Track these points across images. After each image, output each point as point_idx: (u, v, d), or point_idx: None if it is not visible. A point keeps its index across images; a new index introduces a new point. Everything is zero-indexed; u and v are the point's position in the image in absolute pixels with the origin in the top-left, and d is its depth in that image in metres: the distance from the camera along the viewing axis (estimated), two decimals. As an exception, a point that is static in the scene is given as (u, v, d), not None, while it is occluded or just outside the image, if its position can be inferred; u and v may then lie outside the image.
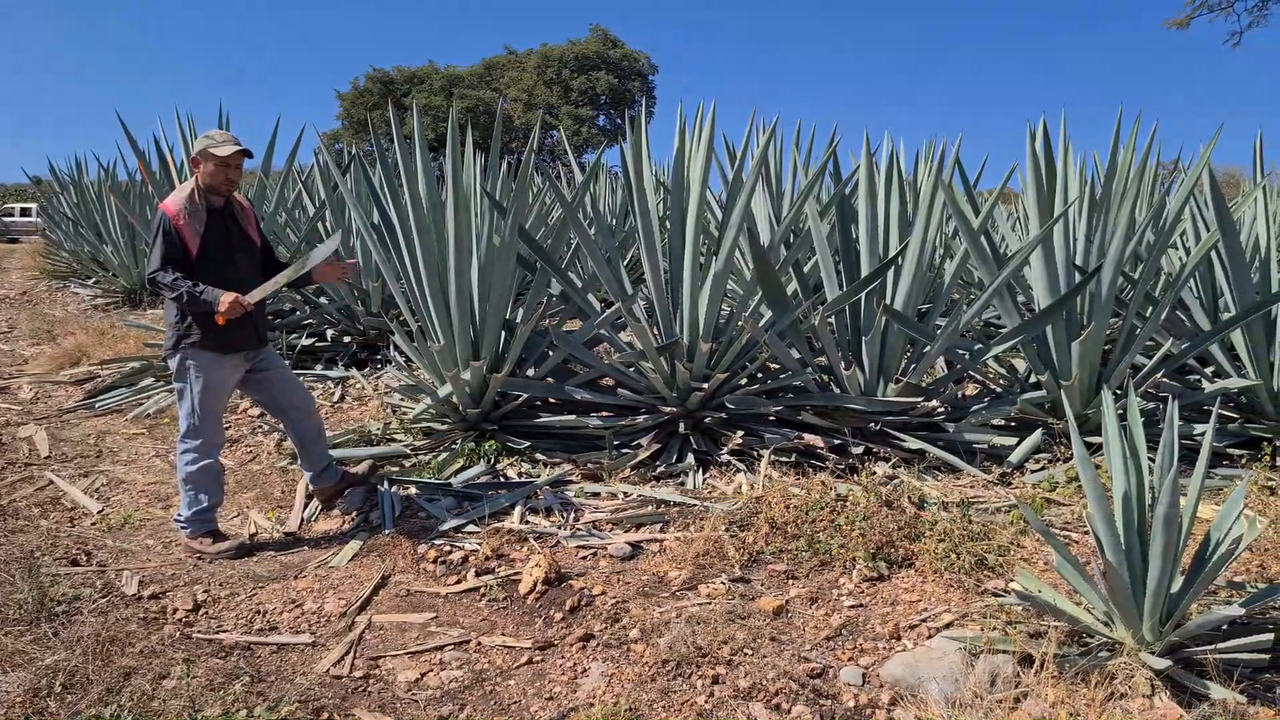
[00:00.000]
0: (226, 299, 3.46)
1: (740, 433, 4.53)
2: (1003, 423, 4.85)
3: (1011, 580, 3.02)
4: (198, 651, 2.90)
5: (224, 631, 3.10)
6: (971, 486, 4.20)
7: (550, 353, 4.91)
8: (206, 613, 3.26)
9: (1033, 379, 4.84)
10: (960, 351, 4.89)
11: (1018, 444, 4.48)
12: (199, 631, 3.08)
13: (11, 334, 9.85)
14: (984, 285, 4.67)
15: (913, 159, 5.29)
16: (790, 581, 3.26)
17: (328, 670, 2.84)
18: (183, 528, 3.77)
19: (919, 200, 4.57)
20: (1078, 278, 4.57)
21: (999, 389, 5.21)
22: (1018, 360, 5.35)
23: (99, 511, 4.26)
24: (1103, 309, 4.49)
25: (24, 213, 32.27)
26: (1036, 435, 4.47)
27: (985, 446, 4.55)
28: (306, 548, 3.86)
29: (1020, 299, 5.39)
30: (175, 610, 3.24)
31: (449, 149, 4.51)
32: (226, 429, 5.53)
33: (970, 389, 5.75)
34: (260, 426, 5.58)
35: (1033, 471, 4.37)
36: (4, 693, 2.54)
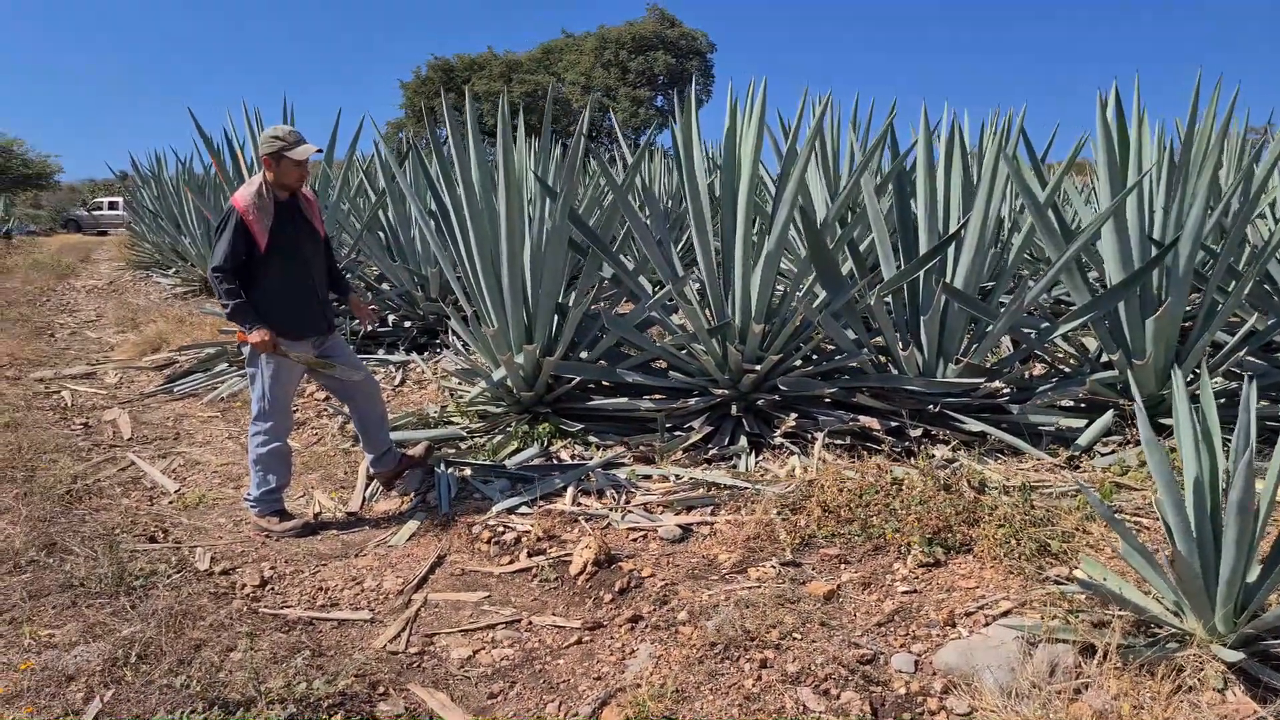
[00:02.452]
0: (263, 334, 3.61)
1: (794, 415, 4.47)
2: (1071, 404, 4.69)
3: (1075, 568, 2.92)
4: (263, 626, 3.00)
5: (288, 607, 3.20)
6: (1036, 470, 4.07)
7: (603, 336, 4.92)
8: (273, 588, 3.37)
9: (1104, 358, 4.66)
10: (1026, 331, 4.73)
11: (1087, 426, 4.32)
12: (265, 606, 3.19)
13: (99, 322, 10.31)
14: (1053, 261, 4.51)
15: (979, 131, 5.13)
16: (842, 566, 3.21)
17: (385, 646, 2.91)
18: (252, 507, 3.90)
19: (981, 173, 4.42)
20: (1154, 252, 4.38)
21: (1068, 369, 5.03)
22: (1089, 339, 5.15)
23: (175, 491, 4.44)
24: (1180, 284, 4.29)
25: (111, 206, 33.64)
26: (1107, 417, 4.31)
27: (1052, 429, 4.41)
28: (367, 527, 3.96)
29: (1094, 276, 5.20)
30: (244, 586, 3.36)
31: (499, 134, 4.54)
32: (294, 412, 5.70)
33: (1038, 370, 5.57)
34: (325, 410, 5.73)
35: (1102, 455, 4.21)
36: (85, 661, 2.67)
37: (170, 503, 4.30)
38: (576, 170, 4.81)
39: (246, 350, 3.78)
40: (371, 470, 4.26)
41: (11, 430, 5.21)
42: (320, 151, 3.75)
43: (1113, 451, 4.22)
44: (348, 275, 7.70)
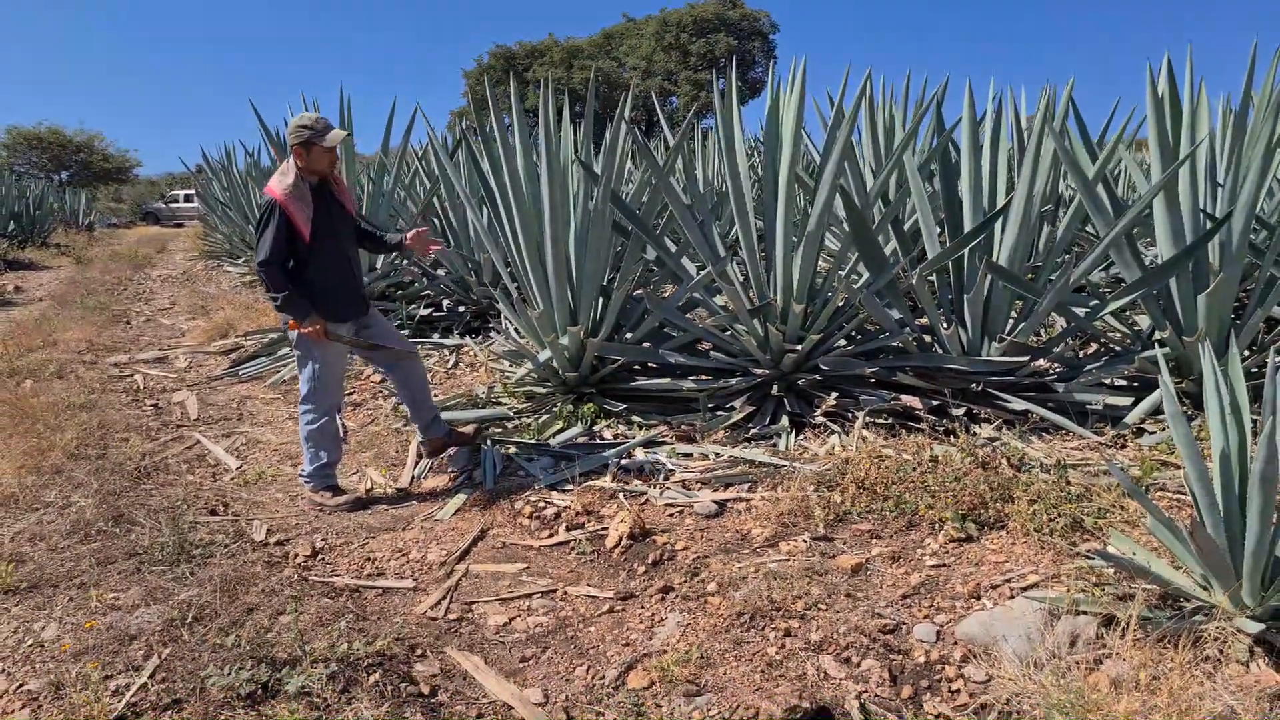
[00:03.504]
0: (315, 324, 3.74)
1: (835, 394, 4.48)
2: (1122, 383, 4.60)
3: (1108, 543, 2.89)
4: (311, 592, 3.15)
5: (337, 575, 3.35)
6: (1080, 449, 4.01)
7: (645, 317, 4.98)
8: (323, 558, 3.53)
9: (1156, 336, 4.56)
10: (1075, 309, 4.65)
11: (1135, 405, 4.24)
12: (315, 575, 3.35)
13: (172, 309, 10.75)
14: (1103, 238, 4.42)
15: (1033, 107, 5.02)
16: (874, 541, 3.24)
17: (425, 612, 3.03)
18: (306, 482, 4.08)
19: (1026, 148, 4.34)
20: (1207, 226, 4.26)
21: (1119, 348, 4.93)
22: (1141, 317, 5.03)
23: (237, 468, 4.65)
24: (1234, 259, 4.17)
25: (187, 199, 34.81)
26: (1156, 395, 4.21)
27: (1099, 408, 4.33)
28: (415, 502, 4.11)
29: (1154, 254, 5.07)
30: (296, 555, 3.52)
31: (541, 120, 4.62)
32: (350, 394, 5.91)
33: (1091, 349, 5.46)
34: (381, 392, 5.91)
35: (1150, 434, 4.12)
36: (146, 622, 2.85)
37: (231, 478, 4.51)
38: (621, 154, 4.87)
39: (294, 335, 3.92)
40: (420, 438, 4.38)
41: (87, 411, 5.51)
42: (349, 135, 3.83)
43: (1161, 430, 4.13)
44: (404, 262, 7.92)
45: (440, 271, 7.90)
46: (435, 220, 8.14)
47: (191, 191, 31.92)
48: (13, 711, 2.44)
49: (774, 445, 4.32)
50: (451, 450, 4.53)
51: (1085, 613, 2.43)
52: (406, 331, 7.37)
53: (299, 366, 4.01)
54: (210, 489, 4.33)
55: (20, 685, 2.54)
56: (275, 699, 2.41)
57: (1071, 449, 3.98)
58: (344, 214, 3.95)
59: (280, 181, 3.70)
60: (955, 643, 2.51)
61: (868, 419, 4.39)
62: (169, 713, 2.37)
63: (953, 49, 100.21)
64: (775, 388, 4.63)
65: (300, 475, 4.14)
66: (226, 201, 14.93)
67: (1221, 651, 2.21)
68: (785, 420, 4.49)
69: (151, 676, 2.51)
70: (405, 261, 7.98)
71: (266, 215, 3.67)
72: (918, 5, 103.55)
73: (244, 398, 6.16)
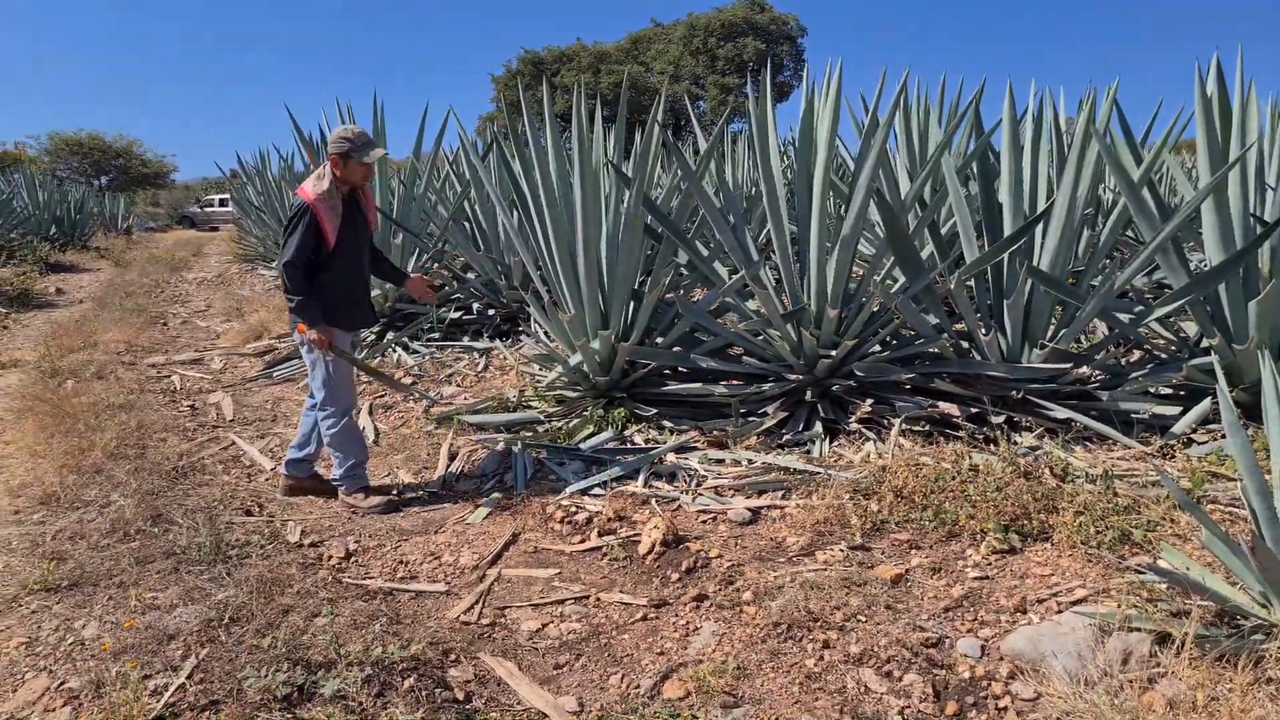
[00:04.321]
0: (324, 335, 3.80)
1: (870, 401, 4.41)
2: (1168, 391, 4.49)
3: (1158, 557, 2.81)
4: (346, 594, 3.14)
5: (370, 578, 3.35)
6: (1125, 459, 3.91)
7: (677, 321, 4.95)
8: (356, 560, 3.53)
9: (1204, 344, 4.44)
10: (1120, 315, 4.54)
11: (1183, 414, 4.13)
12: (349, 577, 3.35)
13: (208, 312, 10.89)
14: (1148, 243, 4.31)
15: (1075, 109, 4.93)
16: (913, 551, 3.17)
17: (458, 617, 3.02)
18: (339, 485, 4.09)
19: (1068, 151, 4.26)
20: (1258, 231, 4.14)
21: (1165, 356, 4.81)
22: (1188, 323, 4.91)
23: (271, 469, 4.67)
24: (1286, 265, 4.05)
25: (222, 203, 35.29)
26: (1205, 404, 4.10)
27: (1145, 417, 4.23)
28: (447, 505, 4.10)
29: (1201, 259, 4.95)
30: (330, 557, 3.52)
31: (574, 123, 4.61)
32: (381, 396, 5.93)
33: (1135, 357, 5.34)
34: (411, 394, 5.93)
35: (1199, 444, 4.01)
36: (184, 622, 2.86)
37: (266, 479, 4.54)
38: (653, 158, 4.84)
39: (303, 338, 3.92)
40: (286, 471, 4.28)
41: (126, 411, 5.57)
42: (386, 153, 3.92)
43: (1211, 440, 4.02)
44: (434, 265, 7.96)
45: (470, 275, 7.92)
46: (465, 224, 8.16)
47: (226, 196, 32.35)
48: (55, 709, 2.45)
49: (808, 452, 4.27)
50: (483, 454, 4.52)
51: (1138, 629, 2.35)
52: (436, 334, 7.40)
53: (310, 371, 4.03)
54: (245, 490, 4.36)
55: (62, 683, 2.56)
56: (311, 702, 2.40)
57: (1117, 459, 3.88)
58: (366, 226, 4.03)
59: (315, 185, 3.76)
60: (1001, 658, 2.44)
61: (904, 426, 4.31)
62: (206, 714, 2.37)
63: (985, 51, 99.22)
64: (809, 393, 4.57)
65: (332, 480, 4.14)
66: (260, 205, 15.11)
67: (1283, 672, 2.13)
68: (819, 426, 4.43)
69: (189, 677, 2.52)
70: (436, 264, 8.01)
71: (297, 216, 3.73)
72: (949, 6, 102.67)
73: (277, 399, 6.20)
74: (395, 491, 4.24)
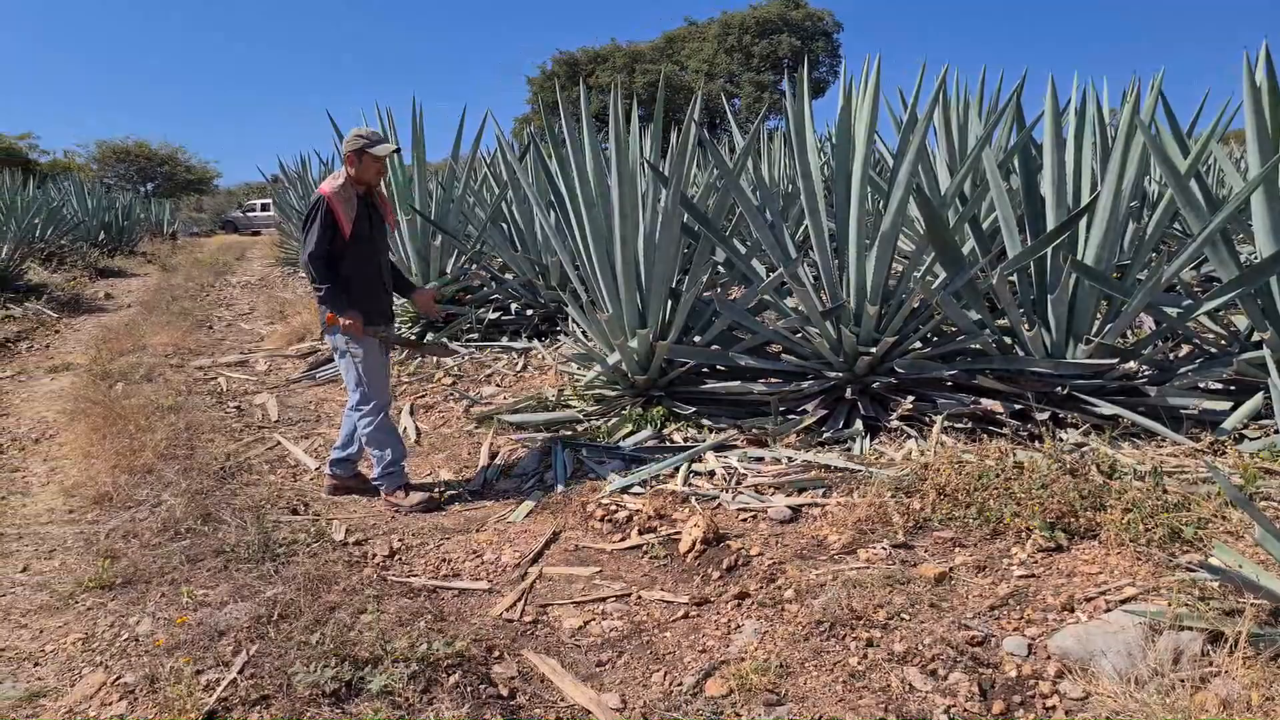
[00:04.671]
0: (354, 318, 3.89)
1: (911, 398, 4.37)
2: (1219, 386, 4.39)
3: (1209, 555, 2.75)
4: (390, 592, 3.19)
5: (414, 576, 3.39)
6: (1174, 455, 3.84)
7: (715, 320, 4.94)
8: (400, 558, 3.58)
9: (1255, 337, 4.34)
10: (1167, 309, 4.45)
11: (1233, 409, 4.04)
12: (393, 575, 3.40)
13: (252, 314, 11.10)
14: (1195, 236, 4.22)
15: (1119, 100, 4.84)
16: (957, 549, 3.14)
17: (501, 614, 3.05)
18: (379, 484, 4.14)
19: (1112, 143, 4.18)
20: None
21: (1215, 350, 4.70)
22: (1238, 317, 4.80)
23: (315, 468, 4.75)
24: (1341, 256, 3.93)
25: (264, 208, 35.87)
26: (1256, 399, 4.01)
27: (1195, 412, 4.14)
28: (488, 504, 4.14)
29: (1251, 251, 4.83)
30: (374, 555, 3.58)
31: (611, 123, 4.63)
32: (422, 397, 6.00)
33: (1184, 352, 5.22)
34: (452, 394, 5.99)
35: (1251, 440, 3.92)
36: (234, 618, 2.92)
37: (311, 479, 4.61)
38: (690, 156, 4.84)
39: (336, 339, 4.01)
40: (330, 471, 4.35)
41: (175, 413, 5.70)
42: (397, 149, 4.01)
43: (1264, 436, 3.92)
44: (473, 266, 8.03)
45: (508, 275, 7.98)
46: (503, 225, 8.23)
47: (268, 201, 32.88)
48: (111, 704, 2.52)
49: (848, 450, 4.24)
50: (523, 453, 4.56)
51: (1189, 628, 2.30)
52: (475, 335, 7.46)
53: (345, 371, 4.10)
54: (291, 489, 4.44)
55: (118, 678, 2.63)
56: (359, 697, 2.44)
57: (1166, 455, 3.81)
58: (382, 226, 4.15)
59: (330, 182, 3.92)
60: (1049, 657, 2.41)
61: (946, 423, 4.27)
62: (258, 708, 2.41)
63: (1025, 44, 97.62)
64: (849, 391, 4.54)
65: (373, 480, 4.20)
66: (302, 210, 15.34)
67: (1342, 672, 2.08)
68: (859, 424, 4.40)
69: (240, 672, 2.57)
70: (474, 265, 8.09)
71: (314, 210, 3.89)
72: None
73: (321, 400, 6.30)
74: (436, 490, 4.29)
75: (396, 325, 7.87)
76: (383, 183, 7.46)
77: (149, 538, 3.68)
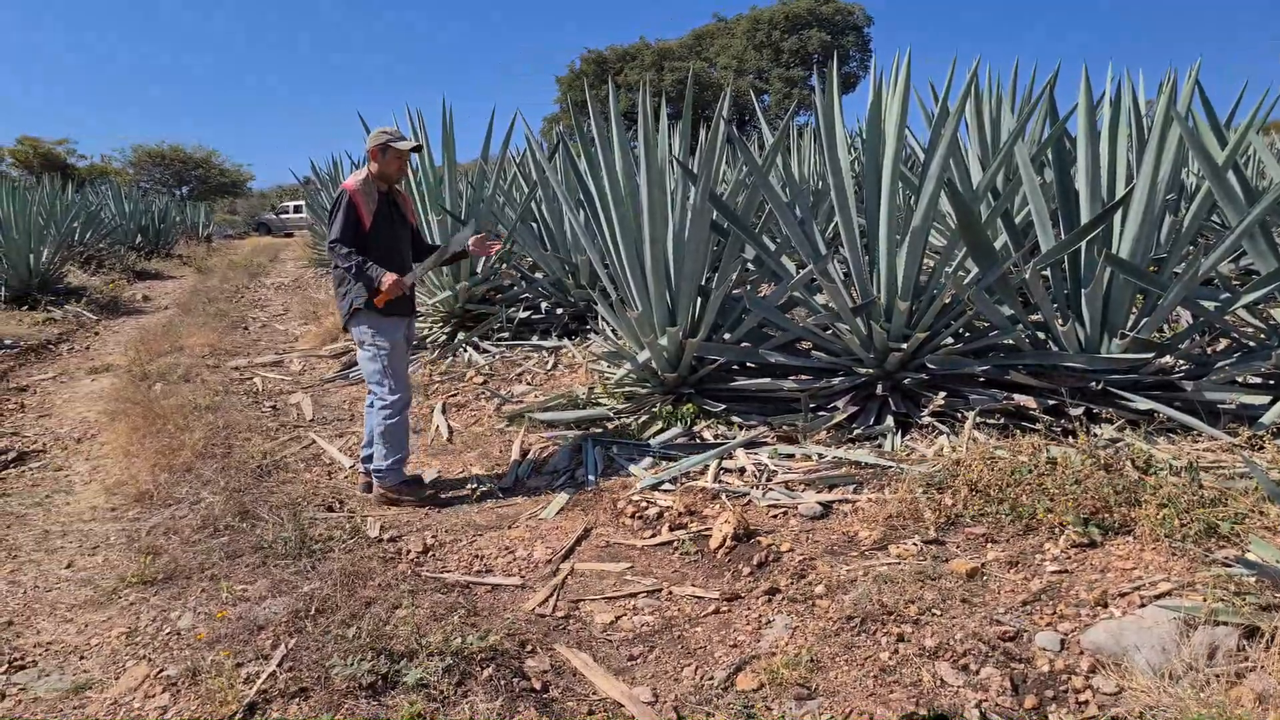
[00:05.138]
0: (390, 278, 3.95)
1: (942, 394, 4.35)
2: (1257, 381, 4.32)
3: (1246, 550, 2.72)
4: (424, 587, 3.24)
5: (447, 571, 3.44)
6: (1211, 450, 3.78)
7: (745, 317, 4.95)
8: (434, 555, 3.63)
9: (1295, 331, 4.26)
10: (1205, 303, 4.39)
11: (1272, 404, 3.97)
12: (427, 571, 3.45)
13: (286, 315, 11.27)
14: (1233, 228, 4.16)
15: (1154, 92, 4.77)
16: (988, 545, 3.12)
17: (533, 609, 3.08)
18: (380, 477, 4.19)
19: (1148, 135, 4.13)
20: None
21: (1253, 344, 4.62)
22: (1278, 310, 4.71)
23: (350, 466, 4.82)
24: (1384, 247, 3.86)
25: (297, 210, 36.30)
26: (1297, 393, 3.94)
27: (1232, 407, 4.07)
28: (520, 501, 4.18)
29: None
30: (408, 552, 3.63)
31: (640, 121, 4.65)
32: (454, 395, 6.06)
33: (1220, 345, 5.14)
34: (483, 393, 6.05)
35: (1291, 435, 3.86)
36: (273, 613, 2.98)
37: (345, 477, 4.68)
38: (718, 153, 4.85)
39: (357, 333, 4.10)
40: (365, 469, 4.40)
41: (212, 412, 5.82)
42: (420, 146, 4.11)
43: (1303, 431, 3.85)
44: (503, 265, 8.10)
45: (538, 274, 8.03)
46: (533, 224, 8.28)
47: (301, 203, 33.30)
48: (154, 695, 2.58)
49: (879, 446, 4.23)
50: (554, 450, 4.59)
51: (1225, 623, 2.28)
52: (506, 334, 7.52)
53: (368, 365, 4.17)
54: (327, 486, 4.51)
55: (160, 671, 2.70)
56: (395, 690, 2.49)
57: (1202, 451, 3.76)
58: (404, 222, 4.27)
59: (354, 178, 4.07)
60: (1081, 652, 2.40)
61: (978, 419, 4.24)
62: (296, 701, 2.47)
63: (1057, 36, 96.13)
64: (879, 387, 4.53)
65: (375, 471, 4.20)
66: (334, 211, 15.51)
67: (1383, 669, 2.05)
68: (890, 420, 4.39)
69: (279, 665, 2.62)
70: (505, 265, 8.15)
71: (337, 202, 4.03)
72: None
73: (354, 399, 6.38)
74: (469, 487, 4.34)
75: (426, 327, 7.97)
76: (410, 182, 7.57)
77: (189, 534, 3.77)
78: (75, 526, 4.03)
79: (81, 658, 2.85)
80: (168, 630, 2.97)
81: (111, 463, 4.98)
